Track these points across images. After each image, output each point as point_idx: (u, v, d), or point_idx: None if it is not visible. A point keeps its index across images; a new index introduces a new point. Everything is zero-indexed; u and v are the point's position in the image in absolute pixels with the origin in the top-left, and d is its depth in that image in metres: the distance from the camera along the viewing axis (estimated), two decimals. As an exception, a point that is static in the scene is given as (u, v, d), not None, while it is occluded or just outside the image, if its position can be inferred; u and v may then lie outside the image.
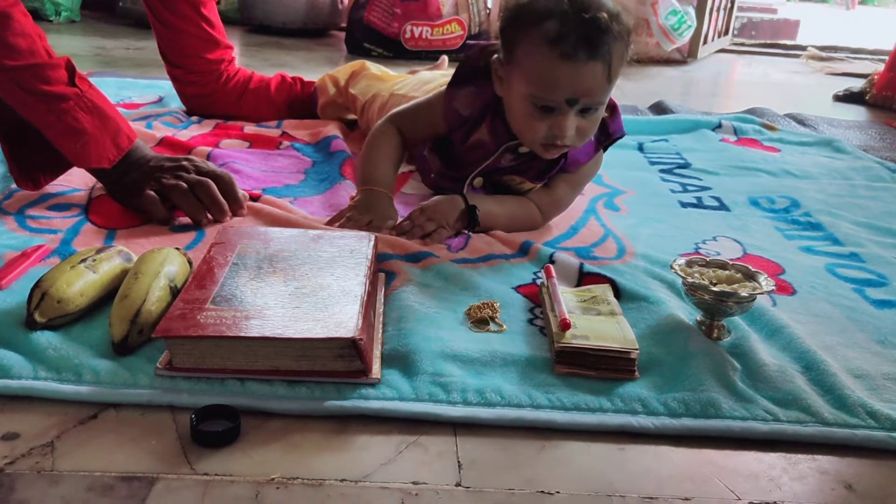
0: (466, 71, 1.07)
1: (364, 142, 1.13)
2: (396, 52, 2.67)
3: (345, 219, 1.00)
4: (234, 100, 1.52)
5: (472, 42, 1.09)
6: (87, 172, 1.08)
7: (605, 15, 0.90)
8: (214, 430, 0.62)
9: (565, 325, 0.74)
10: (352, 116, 1.53)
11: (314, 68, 2.35)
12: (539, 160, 1.04)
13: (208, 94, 1.51)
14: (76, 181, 1.13)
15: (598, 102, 0.95)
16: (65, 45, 2.49)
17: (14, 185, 1.09)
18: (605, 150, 1.10)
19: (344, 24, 2.95)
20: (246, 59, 2.48)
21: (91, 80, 1.75)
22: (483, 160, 1.06)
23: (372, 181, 1.05)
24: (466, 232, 1.02)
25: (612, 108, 1.06)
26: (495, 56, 1.00)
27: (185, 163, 1.07)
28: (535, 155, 1.03)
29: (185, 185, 1.02)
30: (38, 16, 2.89)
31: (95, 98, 1.03)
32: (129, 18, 2.95)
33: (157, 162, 1.06)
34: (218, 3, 3.31)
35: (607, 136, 1.07)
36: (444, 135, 1.09)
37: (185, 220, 1.03)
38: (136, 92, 1.74)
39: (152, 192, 1.02)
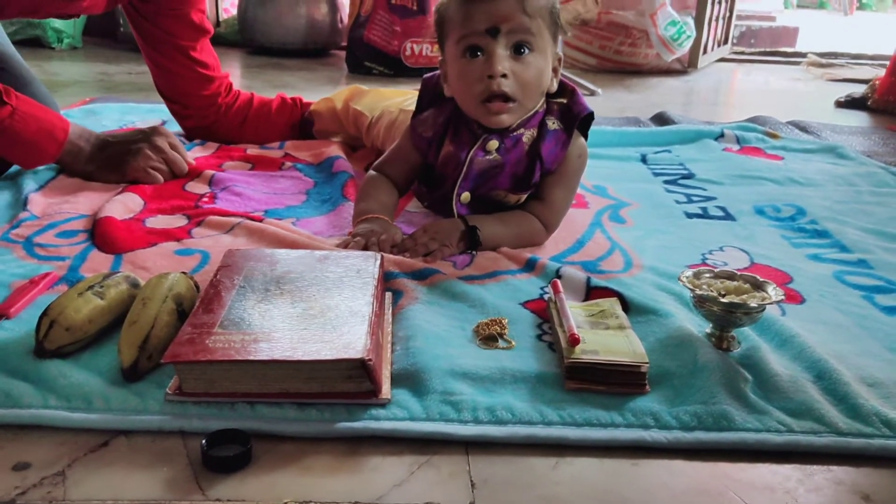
0: (425, 98, 1.12)
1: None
2: (397, 69, 2.68)
3: (352, 242, 1.00)
4: (235, 126, 1.53)
5: (428, 75, 1.11)
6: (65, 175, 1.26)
7: None
8: (226, 455, 0.61)
9: (574, 341, 0.74)
10: (351, 134, 1.53)
11: (316, 88, 2.37)
12: (512, 156, 1.04)
13: (208, 125, 1.52)
14: (82, 207, 1.14)
15: (524, 33, 0.99)
16: (67, 71, 2.51)
17: (22, 214, 1.09)
18: (584, 137, 1.10)
19: (344, 44, 2.96)
20: (247, 81, 2.49)
21: (95, 105, 1.77)
22: (458, 170, 1.07)
23: (367, 212, 1.07)
24: (471, 252, 1.02)
25: (572, 93, 1.09)
26: (440, 59, 1.08)
27: (142, 135, 1.29)
28: (507, 149, 1.04)
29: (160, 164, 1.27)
30: (40, 43, 2.92)
31: (27, 108, 1.17)
32: (131, 43, 2.95)
33: (123, 139, 1.29)
34: (217, 26, 3.34)
35: (572, 118, 1.07)
36: (423, 163, 1.12)
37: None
38: (138, 116, 1.75)
39: (142, 164, 1.25)
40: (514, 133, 1.05)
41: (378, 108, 1.42)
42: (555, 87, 1.06)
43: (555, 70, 1.05)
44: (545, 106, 1.07)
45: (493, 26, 0.97)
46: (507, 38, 0.98)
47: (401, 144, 1.14)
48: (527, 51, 0.99)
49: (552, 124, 1.06)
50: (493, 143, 1.04)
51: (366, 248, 0.98)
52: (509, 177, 1.06)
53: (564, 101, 1.08)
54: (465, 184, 1.06)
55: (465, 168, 1.06)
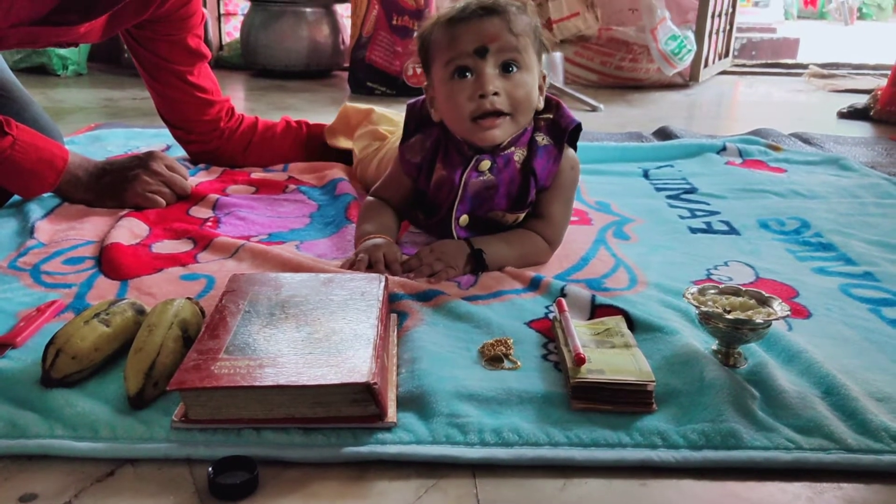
0: (411, 124, 1.13)
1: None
2: (399, 90, 2.69)
3: (356, 262, 1.00)
4: (239, 152, 1.53)
5: (411, 101, 1.12)
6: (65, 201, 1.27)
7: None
8: (232, 483, 0.61)
9: (580, 360, 0.74)
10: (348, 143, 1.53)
11: (319, 109, 2.38)
12: (506, 175, 1.04)
13: (212, 150, 1.53)
14: (88, 234, 1.14)
15: (512, 52, 0.99)
16: (73, 98, 2.53)
17: (29, 242, 1.10)
18: (574, 148, 1.10)
19: (346, 65, 2.98)
20: (251, 104, 2.51)
21: (100, 131, 1.78)
22: (452, 194, 1.07)
23: (368, 234, 1.07)
24: (477, 273, 1.02)
25: (557, 106, 1.09)
26: (425, 84, 1.09)
27: (138, 161, 1.30)
28: (500, 169, 1.04)
29: (159, 187, 1.28)
30: (45, 71, 2.94)
31: (27, 137, 1.19)
32: (135, 69, 2.98)
33: (120, 166, 1.29)
34: (220, 49, 3.35)
35: (561, 131, 1.07)
36: (415, 188, 1.12)
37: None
38: (143, 141, 1.76)
39: (140, 190, 1.26)
40: (505, 152, 1.05)
41: (369, 149, 1.41)
42: (541, 104, 1.06)
43: (540, 88, 1.05)
44: (532, 123, 1.07)
45: (482, 46, 0.98)
46: (495, 57, 0.99)
47: (392, 172, 1.14)
48: (515, 69, 1.00)
49: (542, 140, 1.06)
50: (486, 163, 1.04)
51: (370, 266, 0.98)
52: (505, 196, 1.06)
53: (550, 115, 1.08)
54: (463, 206, 1.06)
55: (460, 190, 1.06)
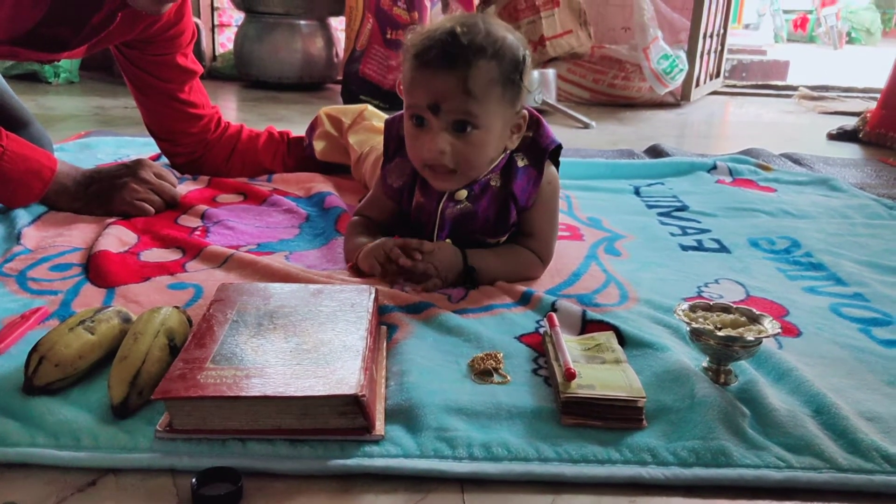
0: (390, 145, 1.11)
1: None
2: (392, 103, 2.69)
3: (363, 258, 1.01)
4: (222, 160, 1.52)
5: (389, 118, 1.11)
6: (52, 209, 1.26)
7: (476, 38, 0.94)
8: (216, 494, 0.60)
9: (570, 375, 0.73)
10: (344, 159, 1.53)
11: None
12: (483, 202, 1.04)
13: (197, 159, 1.52)
14: (76, 241, 1.13)
15: (464, 114, 0.95)
16: (64, 105, 2.52)
17: (16, 248, 1.09)
18: (556, 165, 1.09)
19: (339, 77, 2.99)
20: (243, 115, 2.50)
21: (90, 139, 1.77)
22: (433, 219, 1.06)
23: (362, 244, 1.06)
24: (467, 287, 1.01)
25: (537, 124, 1.06)
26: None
27: (126, 169, 1.29)
28: (476, 196, 1.04)
29: (148, 194, 1.28)
30: (37, 78, 2.93)
31: (16, 147, 1.18)
32: (128, 77, 2.98)
33: (108, 174, 1.28)
34: (214, 60, 3.35)
35: (540, 151, 1.05)
36: (399, 208, 1.11)
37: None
38: (134, 149, 1.75)
39: (128, 198, 1.25)
40: (482, 179, 1.04)
41: (368, 144, 1.42)
42: (514, 144, 1.04)
43: (518, 127, 1.02)
44: None
45: (434, 103, 0.95)
46: (447, 116, 0.96)
47: (375, 192, 1.14)
48: (470, 128, 0.96)
49: (521, 161, 1.04)
50: (462, 192, 1.04)
51: (387, 258, 1.00)
52: (483, 221, 1.05)
53: (530, 134, 1.05)
54: (443, 234, 1.06)
55: (438, 219, 1.06)
